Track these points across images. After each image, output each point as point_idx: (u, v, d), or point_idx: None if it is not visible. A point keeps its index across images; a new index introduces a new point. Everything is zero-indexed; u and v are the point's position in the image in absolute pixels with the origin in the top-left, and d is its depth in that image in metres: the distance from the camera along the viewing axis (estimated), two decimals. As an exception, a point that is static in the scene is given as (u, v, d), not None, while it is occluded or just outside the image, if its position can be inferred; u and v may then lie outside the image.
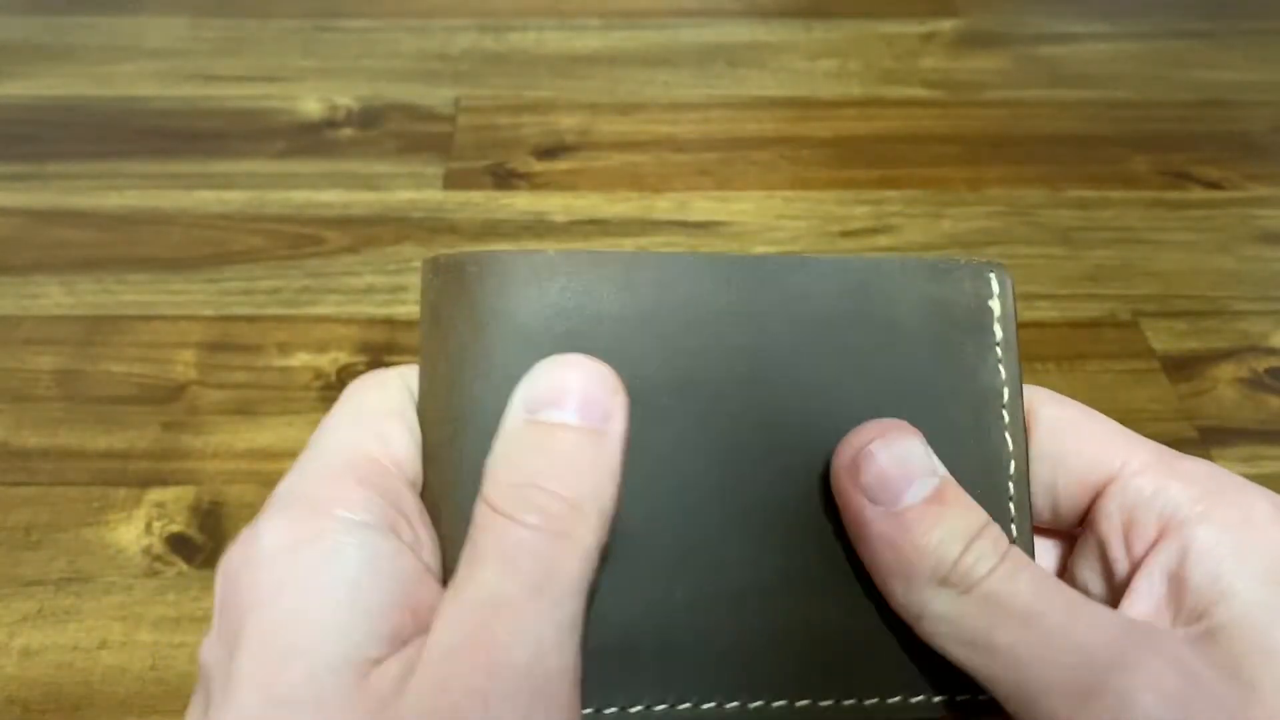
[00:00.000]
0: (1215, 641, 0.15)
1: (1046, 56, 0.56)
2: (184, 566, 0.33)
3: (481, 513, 0.15)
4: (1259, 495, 0.17)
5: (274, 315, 0.41)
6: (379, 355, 0.39)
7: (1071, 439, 0.19)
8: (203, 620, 0.31)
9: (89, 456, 0.36)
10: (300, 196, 0.46)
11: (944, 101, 0.53)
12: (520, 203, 0.46)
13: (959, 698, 0.18)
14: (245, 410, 0.37)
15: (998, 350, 0.19)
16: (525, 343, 0.17)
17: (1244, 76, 0.55)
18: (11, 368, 0.39)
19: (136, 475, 0.35)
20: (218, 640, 0.15)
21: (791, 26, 0.58)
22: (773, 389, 0.18)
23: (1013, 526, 0.18)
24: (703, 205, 0.46)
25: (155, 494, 0.35)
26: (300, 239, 0.44)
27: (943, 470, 0.17)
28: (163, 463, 0.36)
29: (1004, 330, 0.19)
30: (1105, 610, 0.16)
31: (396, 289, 0.42)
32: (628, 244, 0.44)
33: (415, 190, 0.47)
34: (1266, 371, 0.40)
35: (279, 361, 0.39)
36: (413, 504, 0.17)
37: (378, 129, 0.50)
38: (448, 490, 0.17)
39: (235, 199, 0.46)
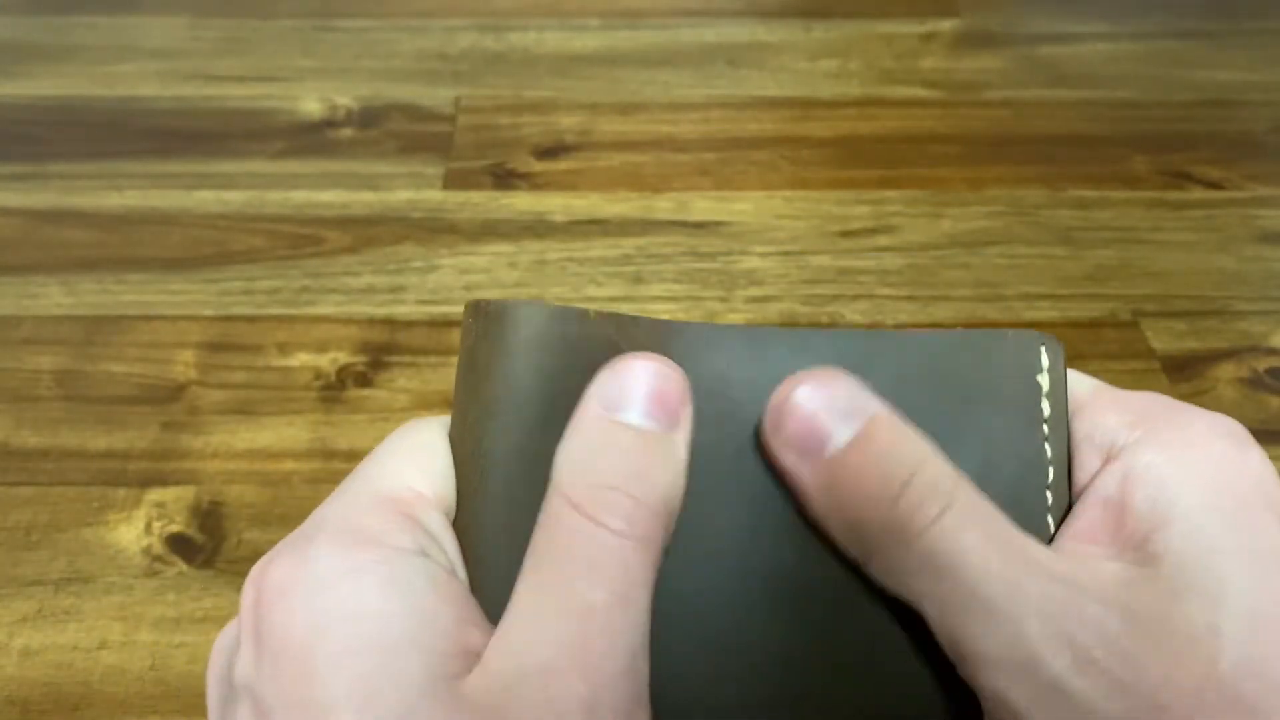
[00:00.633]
0: (1153, 581, 0.15)
1: (1047, 56, 0.56)
2: (184, 566, 0.33)
3: (561, 511, 0.15)
4: (1196, 415, 0.17)
5: (274, 315, 0.41)
6: (379, 355, 0.39)
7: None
8: (203, 620, 0.31)
9: (89, 456, 0.36)
10: (300, 196, 0.46)
11: (944, 101, 0.53)
12: (520, 203, 0.46)
13: None
14: (245, 410, 0.37)
15: (1044, 427, 0.18)
16: (556, 393, 0.17)
17: (1245, 76, 0.55)
18: (11, 368, 0.39)
19: (136, 475, 0.35)
20: (259, 662, 0.14)
21: (791, 26, 0.58)
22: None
23: None
24: (703, 205, 0.46)
25: (155, 494, 0.35)
26: (300, 239, 0.44)
27: (875, 407, 0.16)
28: (163, 463, 0.36)
29: (1052, 407, 0.18)
30: (1045, 569, 0.15)
31: (396, 289, 0.42)
32: (627, 244, 0.44)
33: (415, 190, 0.47)
34: (1267, 371, 0.39)
35: (279, 361, 0.39)
36: (447, 533, 0.17)
37: (377, 129, 0.50)
38: (477, 521, 0.17)
39: (235, 199, 0.46)
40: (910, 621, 0.16)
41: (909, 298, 0.42)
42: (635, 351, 0.17)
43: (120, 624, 0.31)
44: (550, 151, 0.49)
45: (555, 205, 0.46)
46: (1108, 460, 0.16)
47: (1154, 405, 0.17)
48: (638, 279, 0.43)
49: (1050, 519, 0.17)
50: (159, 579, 0.32)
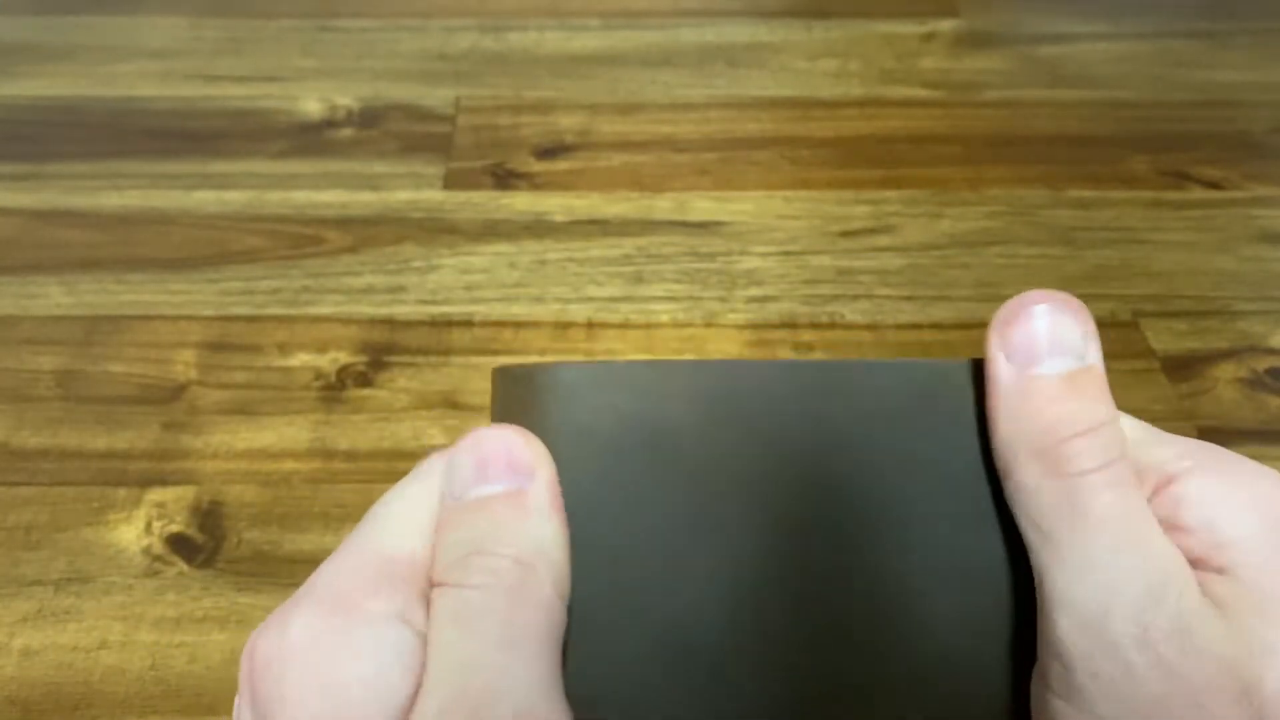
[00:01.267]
0: (1224, 586, 0.16)
1: (1047, 56, 0.56)
2: (184, 566, 0.33)
3: (434, 595, 0.16)
4: (1241, 458, 0.18)
5: (274, 315, 0.41)
6: (379, 355, 0.39)
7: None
8: (203, 620, 0.31)
9: (89, 456, 0.36)
10: (300, 196, 0.46)
11: (944, 101, 0.53)
12: (520, 203, 0.46)
13: None
14: (245, 410, 0.37)
15: None
16: (597, 453, 0.18)
17: (1244, 77, 0.55)
18: (11, 368, 0.39)
19: (136, 475, 0.35)
20: None
21: (792, 26, 0.58)
22: (837, 493, 0.18)
23: None
24: (702, 205, 0.46)
25: (155, 494, 0.35)
26: (300, 239, 0.44)
27: (1094, 358, 0.17)
28: (163, 463, 0.36)
29: None
30: (1150, 547, 0.16)
31: (396, 289, 0.42)
32: (627, 244, 0.44)
33: (415, 190, 0.47)
34: (1266, 371, 0.40)
35: (279, 361, 0.39)
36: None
37: (378, 129, 0.50)
38: None
39: (235, 199, 0.46)
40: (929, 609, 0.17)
41: (909, 298, 0.42)
42: (473, 431, 0.17)
43: (120, 624, 0.31)
44: (550, 152, 0.49)
45: (555, 205, 0.46)
46: (1157, 487, 0.17)
47: (1200, 444, 0.18)
48: (638, 279, 0.43)
49: None
50: (159, 579, 0.32)
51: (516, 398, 0.19)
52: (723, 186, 0.48)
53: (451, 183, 0.47)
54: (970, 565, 0.18)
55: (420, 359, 0.39)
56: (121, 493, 0.35)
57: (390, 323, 0.41)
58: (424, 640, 0.16)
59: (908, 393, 0.18)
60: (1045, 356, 0.17)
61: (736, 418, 0.18)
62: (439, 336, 0.40)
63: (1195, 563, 0.16)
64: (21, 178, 0.47)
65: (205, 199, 0.46)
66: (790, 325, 0.41)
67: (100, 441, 0.36)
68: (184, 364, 0.39)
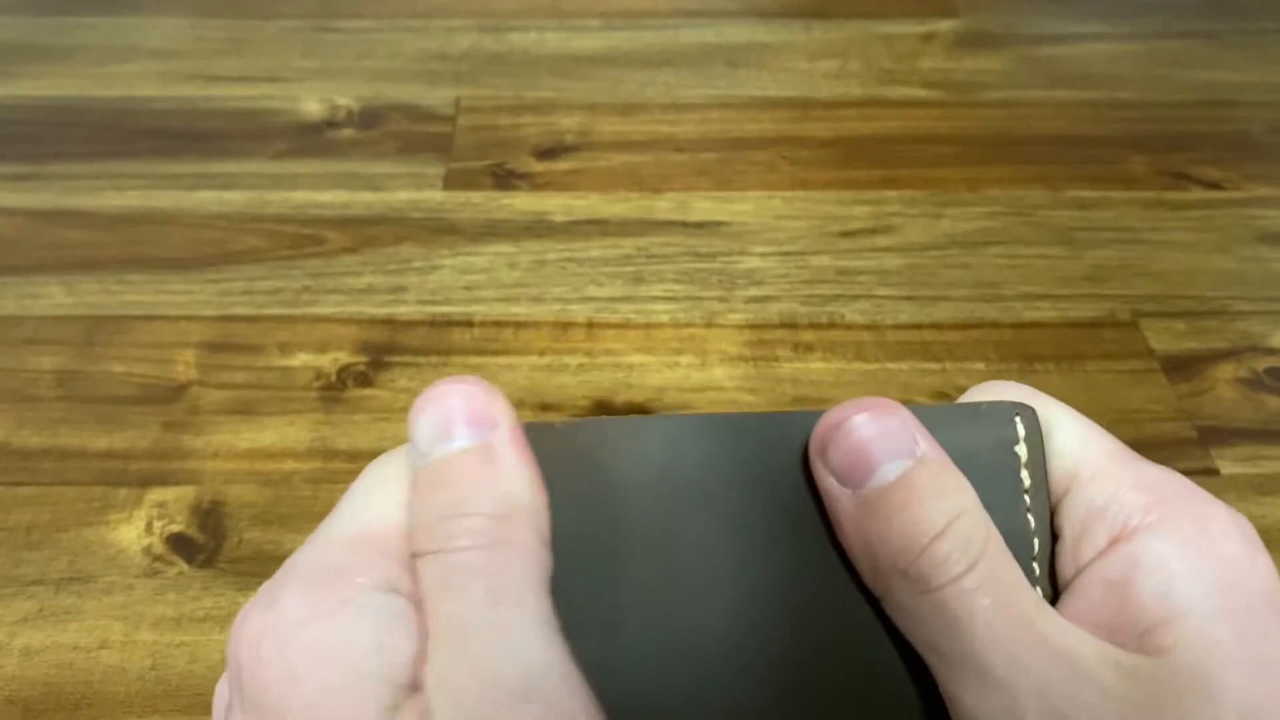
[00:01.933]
0: (1154, 674, 0.15)
1: (1046, 57, 0.56)
2: (184, 566, 0.33)
3: (418, 566, 0.16)
4: (1216, 507, 0.16)
5: (274, 315, 0.41)
6: (379, 355, 0.39)
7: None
8: (203, 620, 0.31)
9: (90, 456, 0.36)
10: (301, 197, 0.46)
11: (943, 102, 0.53)
12: (520, 203, 0.46)
13: None
14: (246, 410, 0.37)
15: (1025, 498, 0.17)
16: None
17: (1244, 77, 0.55)
18: (12, 368, 0.39)
19: (137, 475, 0.35)
20: (244, 712, 0.15)
21: (791, 27, 0.58)
22: (811, 536, 0.18)
23: None
24: (702, 205, 0.46)
25: (156, 494, 0.35)
26: (301, 239, 0.44)
27: (924, 448, 0.16)
28: (163, 462, 0.36)
29: (1032, 476, 0.17)
30: (1050, 645, 0.15)
31: (396, 289, 0.42)
32: (627, 244, 0.44)
33: (415, 190, 0.47)
34: (1266, 371, 0.40)
35: (280, 361, 0.39)
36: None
37: (378, 129, 0.50)
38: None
39: (236, 199, 0.46)
40: (909, 654, 0.16)
41: (908, 298, 0.42)
42: (433, 386, 0.17)
43: (121, 623, 0.31)
44: (550, 152, 0.49)
45: (555, 205, 0.46)
46: (1116, 539, 0.16)
47: (1172, 488, 0.17)
48: (638, 279, 0.43)
49: (1038, 590, 0.17)
50: (160, 579, 0.32)
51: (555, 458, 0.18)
52: (722, 187, 0.48)
53: (452, 183, 0.47)
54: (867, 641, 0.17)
55: (420, 359, 0.39)
56: (122, 492, 0.35)
57: (390, 323, 0.41)
58: (416, 607, 0.16)
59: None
60: (874, 468, 0.16)
61: (679, 476, 0.17)
62: (439, 336, 0.40)
63: (1135, 638, 0.15)
64: (22, 178, 0.47)
65: (206, 199, 0.46)
66: (790, 325, 0.41)
67: (101, 441, 0.36)
68: (185, 364, 0.39)
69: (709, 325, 0.41)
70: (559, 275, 0.43)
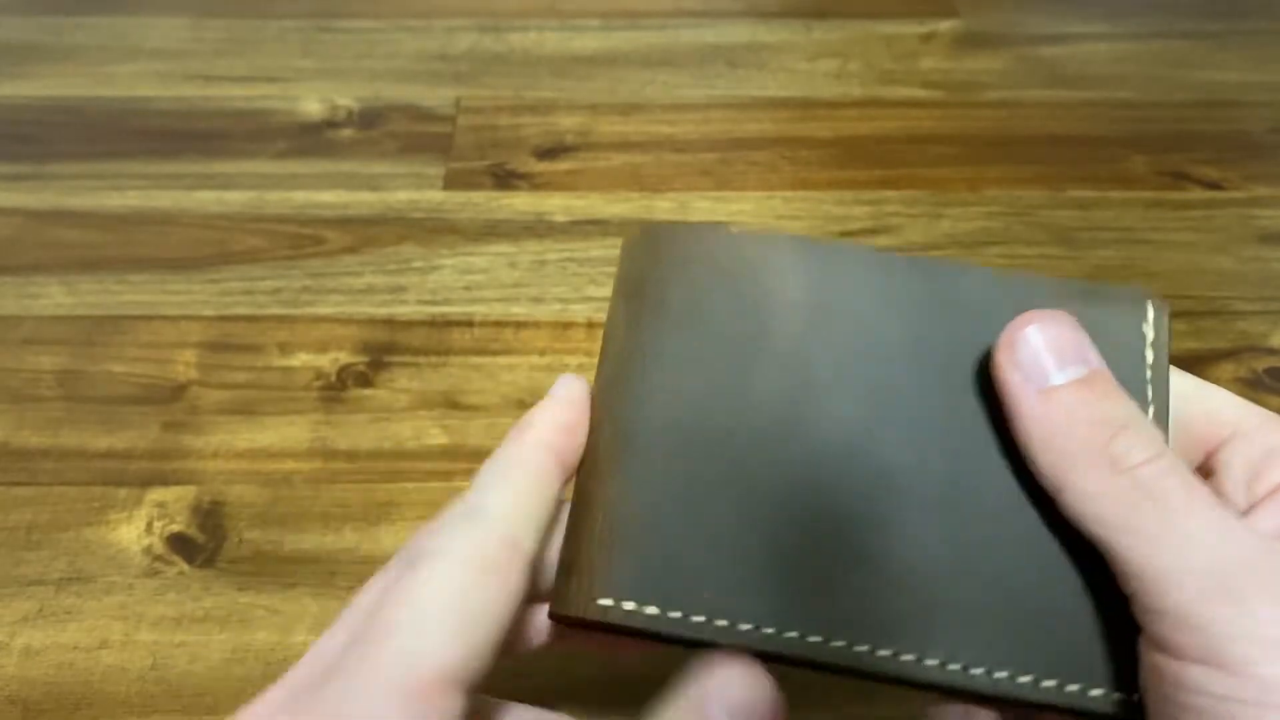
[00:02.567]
0: None
1: (1046, 57, 0.56)
2: (185, 566, 0.33)
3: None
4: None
5: (274, 315, 0.41)
6: (379, 355, 0.39)
7: (1193, 404, 0.20)
8: (203, 620, 0.31)
9: (90, 456, 0.36)
10: (301, 197, 0.46)
11: (943, 102, 0.53)
12: (520, 203, 0.46)
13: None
14: (246, 410, 0.37)
15: (1148, 372, 0.19)
16: (698, 301, 0.21)
17: (1244, 77, 0.55)
18: (12, 368, 0.39)
19: (137, 475, 0.35)
20: None
21: (791, 27, 0.58)
22: (936, 378, 0.20)
23: None
24: (702, 205, 0.46)
25: (156, 494, 0.35)
26: (301, 239, 0.44)
27: (1097, 362, 0.18)
28: (163, 462, 0.36)
29: (1155, 356, 0.19)
30: (1248, 529, 0.16)
31: (397, 289, 0.42)
32: (628, 244, 0.44)
33: (416, 190, 0.47)
34: (1265, 371, 0.40)
35: (280, 361, 0.39)
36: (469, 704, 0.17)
37: (378, 129, 0.50)
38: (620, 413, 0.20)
39: (236, 199, 0.46)
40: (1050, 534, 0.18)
41: (909, 298, 0.42)
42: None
43: (121, 623, 0.31)
44: (550, 152, 0.49)
45: (555, 205, 0.46)
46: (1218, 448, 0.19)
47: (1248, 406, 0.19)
48: (638, 279, 0.43)
49: None
50: (160, 579, 0.32)
51: (644, 252, 0.21)
52: (722, 187, 0.48)
53: (452, 183, 0.47)
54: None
55: (421, 359, 0.39)
56: (122, 492, 0.35)
57: (390, 323, 0.41)
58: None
59: (995, 299, 0.20)
60: (1056, 368, 0.18)
61: (836, 304, 0.20)
62: (439, 336, 0.40)
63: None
64: (22, 178, 0.47)
65: (206, 199, 0.46)
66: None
67: (101, 441, 0.36)
68: (185, 364, 0.39)
69: (709, 325, 0.41)
70: (559, 275, 0.43)
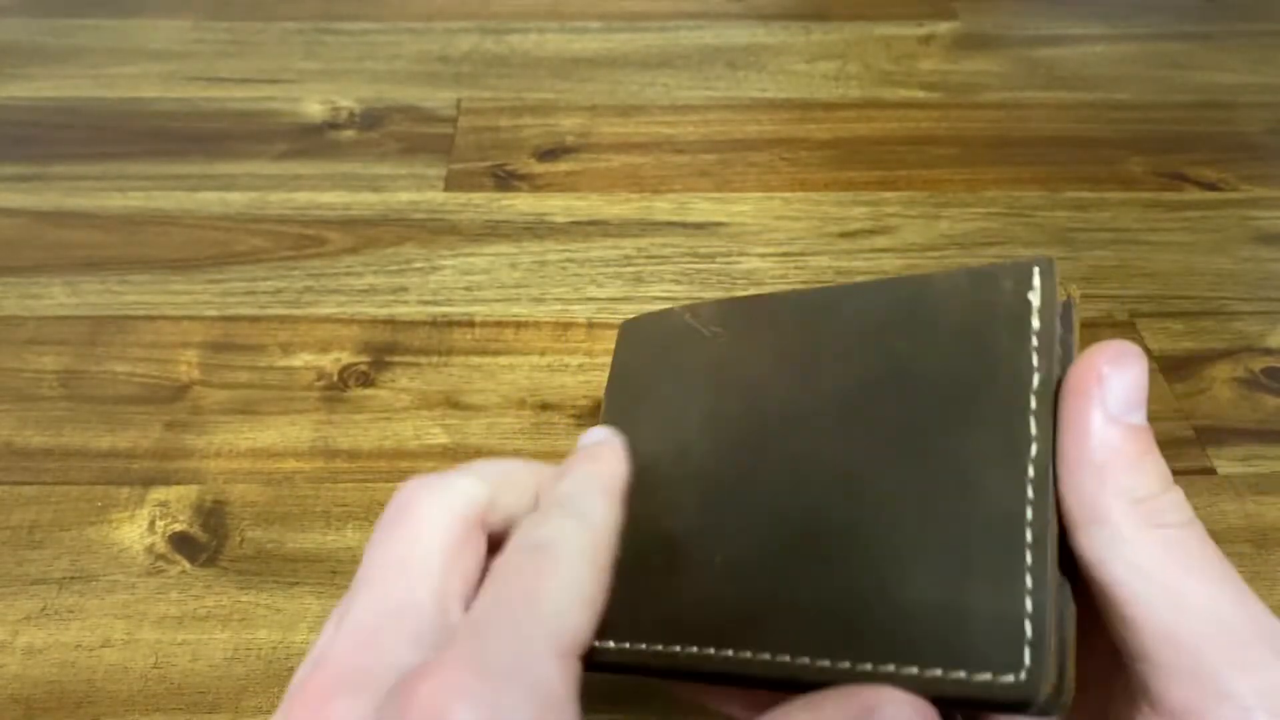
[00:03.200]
0: None
1: (1044, 58, 0.56)
2: (187, 565, 0.33)
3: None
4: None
5: (276, 315, 0.41)
6: (381, 355, 0.40)
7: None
8: (206, 619, 0.32)
9: (92, 456, 0.36)
10: (302, 197, 0.47)
11: (942, 103, 0.53)
12: (521, 204, 0.47)
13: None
14: (248, 410, 0.37)
15: (1033, 339, 0.19)
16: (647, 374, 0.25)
17: (1241, 78, 0.55)
18: (15, 368, 0.39)
19: (140, 474, 0.35)
20: None
21: (790, 29, 0.58)
22: (820, 387, 0.21)
23: (1028, 508, 0.18)
24: (702, 206, 0.47)
25: (158, 493, 0.35)
26: (302, 240, 0.45)
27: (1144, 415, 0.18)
28: (166, 462, 0.36)
29: (1041, 321, 0.19)
30: (1259, 602, 0.17)
31: (398, 289, 0.42)
32: (628, 245, 0.45)
33: (417, 191, 0.47)
34: (1263, 371, 0.40)
35: (282, 361, 0.39)
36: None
37: (379, 130, 0.51)
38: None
39: (238, 200, 0.46)
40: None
41: (907, 298, 0.42)
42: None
43: (123, 622, 0.31)
44: (551, 153, 0.50)
45: (556, 206, 0.47)
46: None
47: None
48: (638, 279, 0.43)
49: (1032, 420, 0.18)
50: (162, 578, 0.33)
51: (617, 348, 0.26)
52: (722, 188, 0.48)
53: (453, 184, 0.48)
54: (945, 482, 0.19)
55: (422, 359, 0.39)
56: (124, 492, 0.35)
57: (392, 323, 0.41)
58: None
59: (890, 303, 0.20)
60: (1133, 407, 0.18)
61: (755, 336, 0.22)
62: (440, 336, 0.40)
63: None
64: (25, 179, 0.47)
65: (208, 200, 0.46)
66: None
67: (103, 441, 0.36)
68: (187, 364, 0.39)
69: (709, 325, 0.41)
70: (559, 276, 0.43)
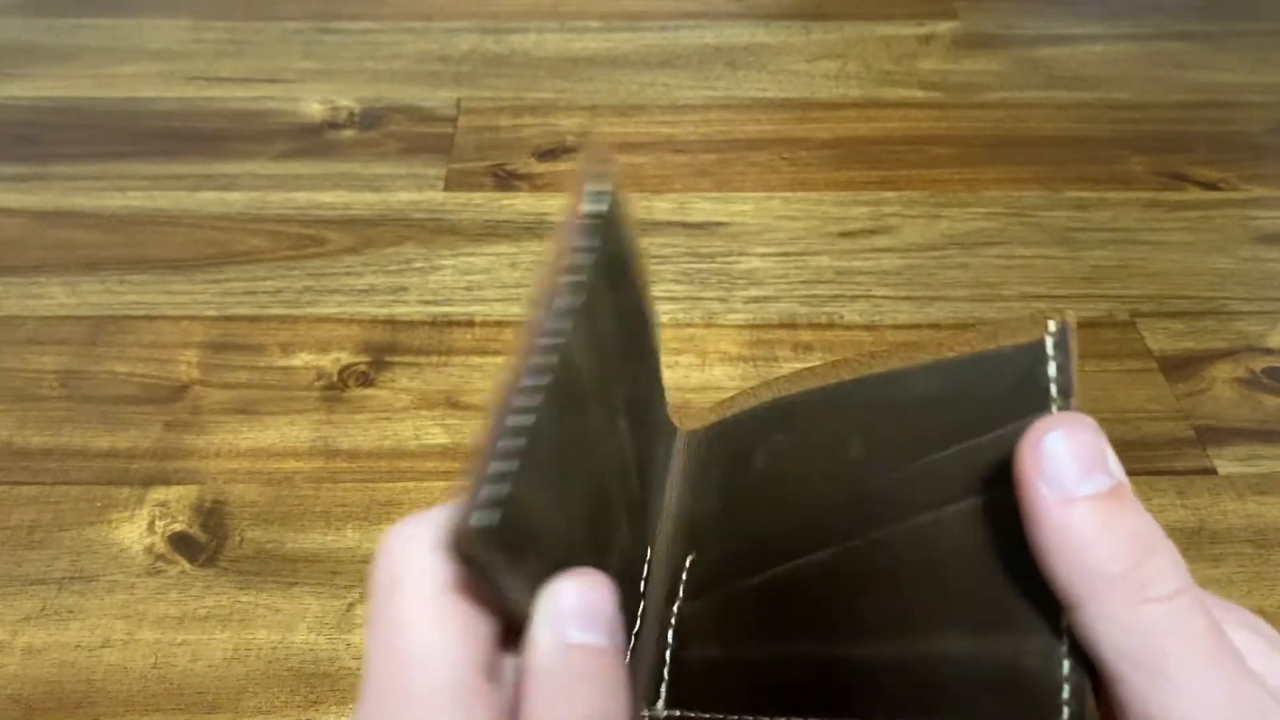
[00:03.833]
0: None
1: (1044, 58, 0.56)
2: (186, 565, 0.33)
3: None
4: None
5: (276, 315, 0.41)
6: (380, 355, 0.40)
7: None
8: (205, 619, 0.32)
9: (92, 456, 0.36)
10: (302, 197, 0.47)
11: (942, 103, 0.53)
12: (520, 204, 0.47)
13: None
14: (247, 410, 0.37)
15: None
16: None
17: (1241, 78, 0.55)
18: (15, 368, 0.39)
19: (139, 474, 0.35)
20: None
21: (791, 29, 0.58)
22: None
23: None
24: (702, 206, 0.47)
25: (158, 493, 0.35)
26: (302, 240, 0.45)
27: (1120, 475, 0.17)
28: (165, 462, 0.36)
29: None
30: (1260, 684, 0.16)
31: (397, 289, 0.42)
32: (628, 245, 0.45)
33: (416, 191, 0.47)
34: (1263, 371, 0.40)
35: (281, 361, 0.39)
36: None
37: (379, 130, 0.51)
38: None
39: (237, 200, 0.46)
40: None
41: (907, 298, 0.42)
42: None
43: (123, 622, 0.31)
44: (551, 152, 0.50)
45: (556, 206, 0.46)
46: None
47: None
48: (638, 279, 0.43)
49: None
50: (161, 578, 0.33)
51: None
52: (722, 187, 0.48)
53: (452, 184, 0.48)
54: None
55: (422, 359, 0.39)
56: (124, 492, 0.35)
57: (392, 323, 0.41)
58: None
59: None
60: (1081, 477, 0.16)
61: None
62: (440, 336, 0.40)
63: None
64: (25, 179, 0.47)
65: (208, 200, 0.46)
66: (789, 325, 0.41)
67: (103, 441, 0.36)
68: (187, 364, 0.39)
69: (709, 325, 0.41)
70: (559, 276, 0.43)
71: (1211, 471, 0.36)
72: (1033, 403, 0.19)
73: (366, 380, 0.39)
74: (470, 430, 0.37)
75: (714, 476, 0.24)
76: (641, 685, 0.21)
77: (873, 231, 0.45)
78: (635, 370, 0.22)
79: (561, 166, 0.49)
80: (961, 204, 0.47)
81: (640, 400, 0.23)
